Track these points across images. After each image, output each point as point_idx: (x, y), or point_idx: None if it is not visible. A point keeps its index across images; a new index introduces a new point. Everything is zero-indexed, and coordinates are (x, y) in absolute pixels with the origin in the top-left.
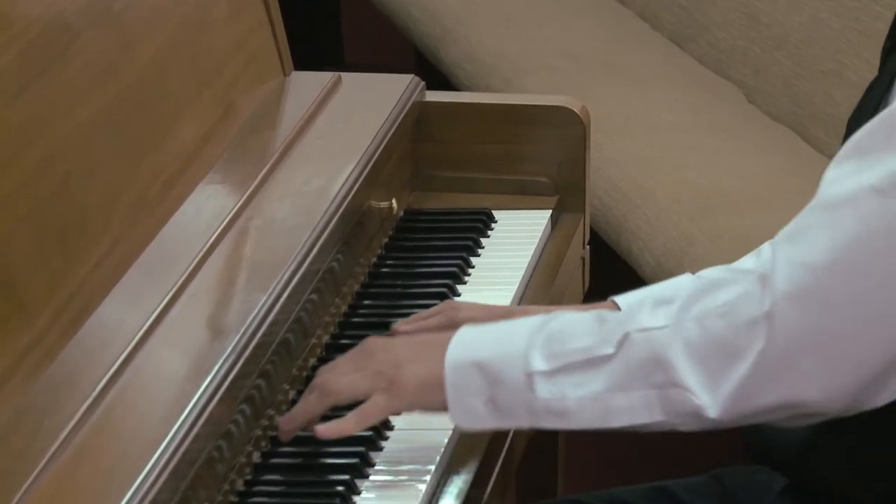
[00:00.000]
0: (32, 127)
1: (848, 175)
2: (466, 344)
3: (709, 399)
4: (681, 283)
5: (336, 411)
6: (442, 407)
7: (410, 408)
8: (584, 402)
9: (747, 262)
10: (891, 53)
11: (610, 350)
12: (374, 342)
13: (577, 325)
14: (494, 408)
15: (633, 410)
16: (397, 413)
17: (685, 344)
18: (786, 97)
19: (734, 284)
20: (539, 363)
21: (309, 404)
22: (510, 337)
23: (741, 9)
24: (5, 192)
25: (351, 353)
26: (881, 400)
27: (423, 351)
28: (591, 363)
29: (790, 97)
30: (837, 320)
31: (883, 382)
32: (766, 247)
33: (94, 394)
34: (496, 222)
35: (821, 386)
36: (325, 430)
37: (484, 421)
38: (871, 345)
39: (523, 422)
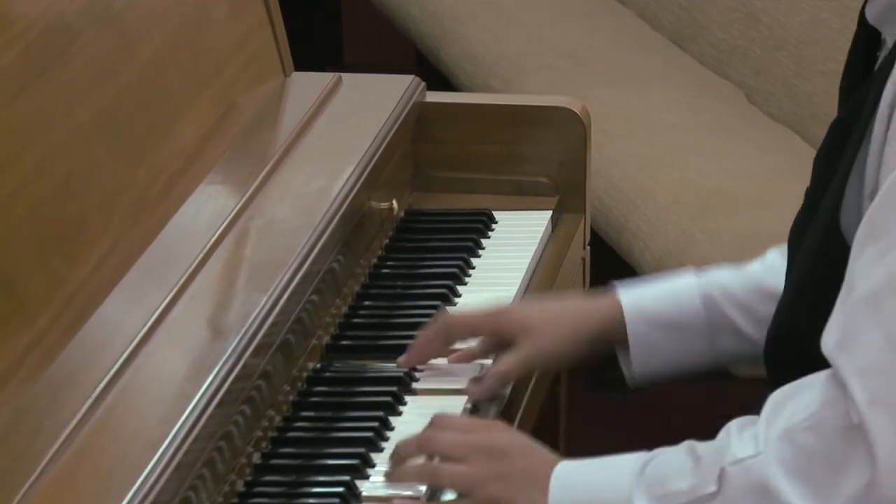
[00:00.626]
0: (32, 127)
1: (872, 262)
2: (566, 487)
3: None
4: None
5: None
6: None
7: None
8: None
9: (755, 266)
10: (849, 94)
11: (713, 488)
12: (498, 437)
13: (673, 464)
14: None
15: None
16: None
17: (783, 466)
18: (786, 97)
19: (810, 392)
20: None
21: (412, 476)
22: (610, 480)
23: (741, 9)
24: (5, 193)
25: (476, 431)
26: None
27: (532, 475)
28: (697, 503)
29: (791, 97)
30: None
31: None
32: (770, 253)
33: (95, 394)
34: (496, 223)
35: None
36: None
37: None
38: None
39: None
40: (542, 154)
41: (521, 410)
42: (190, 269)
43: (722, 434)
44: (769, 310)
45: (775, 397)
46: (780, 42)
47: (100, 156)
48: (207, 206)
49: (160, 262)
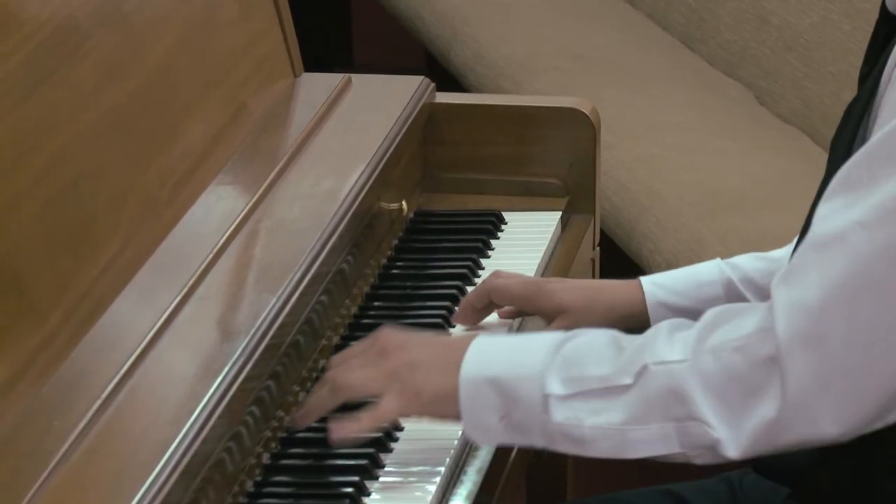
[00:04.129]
0: (42, 128)
1: (836, 211)
2: (481, 358)
3: (726, 433)
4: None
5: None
6: (455, 418)
7: (421, 415)
8: (601, 431)
9: (780, 252)
10: (867, 78)
11: (628, 381)
12: (389, 337)
13: (593, 348)
14: (509, 425)
15: (651, 442)
16: (409, 416)
17: (703, 378)
18: (796, 98)
19: (750, 316)
20: (555, 386)
21: (322, 399)
22: (525, 354)
23: (751, 10)
24: (15, 193)
25: (365, 345)
26: (891, 420)
27: (440, 357)
28: (609, 392)
29: (800, 98)
30: (842, 358)
31: (894, 406)
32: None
33: (104, 395)
34: (506, 224)
35: (836, 422)
36: (337, 431)
37: (498, 437)
38: (881, 375)
39: (538, 441)
40: (552, 155)
41: None
42: (199, 270)
43: (650, 332)
44: None
45: (715, 312)
46: (789, 43)
47: (109, 157)
48: (217, 206)
49: (170, 262)
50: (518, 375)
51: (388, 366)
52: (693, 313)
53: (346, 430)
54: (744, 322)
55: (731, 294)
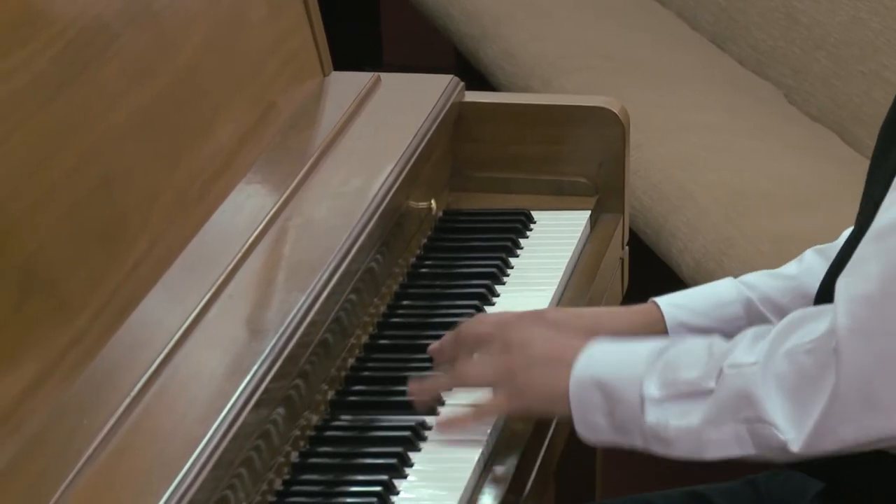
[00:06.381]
0: (71, 127)
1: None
2: (591, 361)
3: (793, 434)
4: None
5: None
6: (565, 417)
7: (529, 412)
8: (682, 432)
9: (792, 269)
10: None
11: (711, 385)
12: (516, 331)
13: (691, 353)
14: (613, 425)
15: (725, 444)
16: (516, 413)
17: (775, 379)
18: (825, 97)
19: (822, 319)
20: (652, 389)
21: (440, 382)
22: (632, 358)
23: (780, 9)
24: (45, 192)
25: (493, 330)
26: None
27: (556, 357)
28: (695, 395)
29: (830, 97)
30: None
31: None
32: (807, 253)
33: (133, 393)
34: (535, 223)
35: None
36: (444, 426)
37: (607, 436)
38: None
39: (638, 442)
40: (581, 154)
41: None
42: (228, 269)
43: (738, 336)
44: None
45: (793, 316)
46: (819, 42)
47: (138, 156)
48: (246, 205)
49: (199, 261)
50: (621, 377)
51: (507, 362)
52: (715, 333)
53: (452, 426)
54: (817, 325)
55: (752, 313)
